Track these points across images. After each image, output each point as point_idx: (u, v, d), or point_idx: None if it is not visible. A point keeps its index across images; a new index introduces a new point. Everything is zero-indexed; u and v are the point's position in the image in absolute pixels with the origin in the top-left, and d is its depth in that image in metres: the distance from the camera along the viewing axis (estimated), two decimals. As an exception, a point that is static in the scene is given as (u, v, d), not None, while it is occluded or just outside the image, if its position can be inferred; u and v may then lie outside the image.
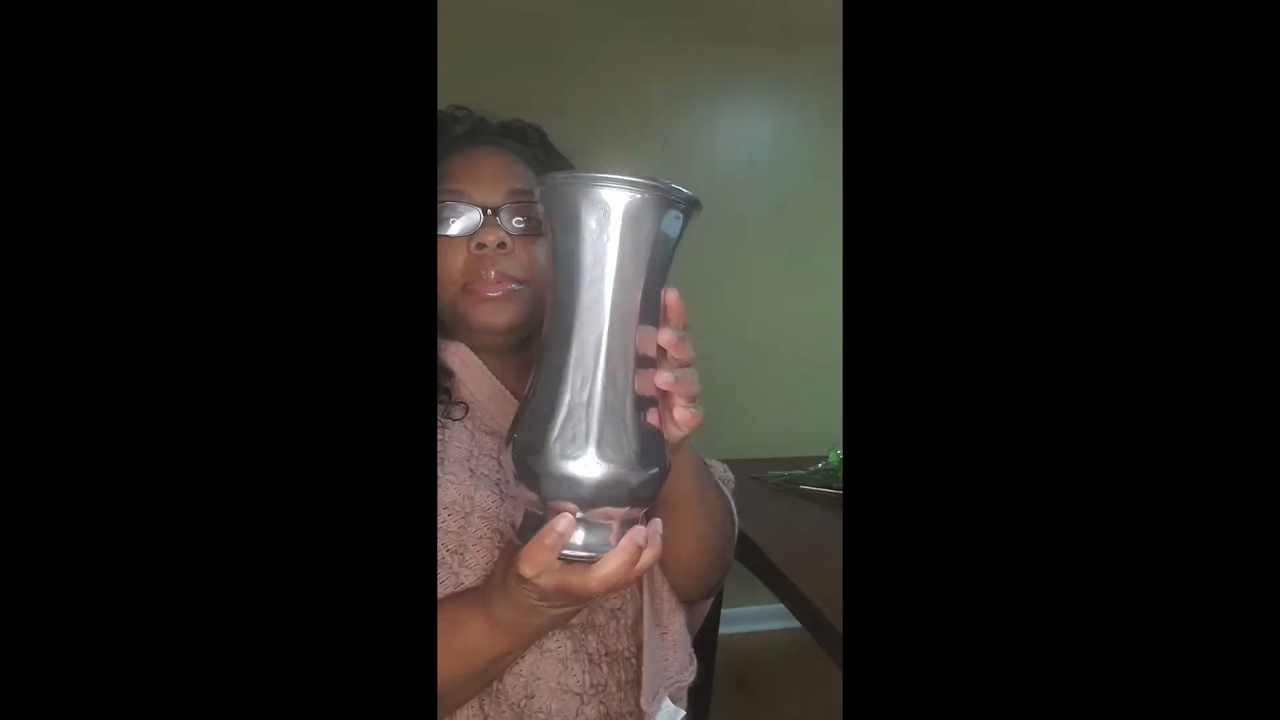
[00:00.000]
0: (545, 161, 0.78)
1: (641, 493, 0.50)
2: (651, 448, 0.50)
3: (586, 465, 0.47)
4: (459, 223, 0.71)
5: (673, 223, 0.49)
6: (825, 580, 1.25)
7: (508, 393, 0.76)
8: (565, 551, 0.49)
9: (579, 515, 0.49)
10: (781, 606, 1.33)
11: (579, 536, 0.49)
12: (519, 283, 0.71)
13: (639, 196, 0.47)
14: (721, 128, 2.12)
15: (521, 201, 0.72)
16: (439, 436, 0.72)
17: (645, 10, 1.98)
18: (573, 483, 0.48)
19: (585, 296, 0.48)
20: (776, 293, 2.18)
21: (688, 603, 0.78)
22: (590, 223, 0.47)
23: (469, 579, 0.66)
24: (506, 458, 0.50)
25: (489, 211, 0.70)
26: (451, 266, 0.71)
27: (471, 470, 0.71)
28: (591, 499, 0.48)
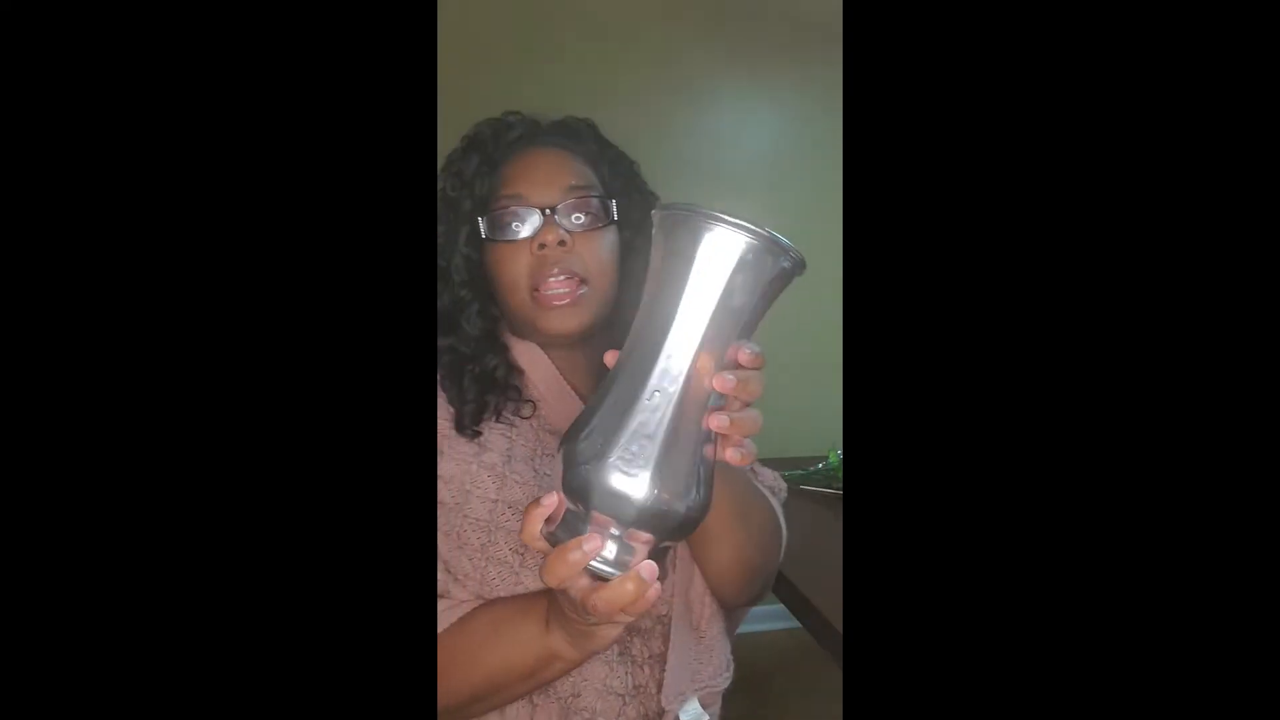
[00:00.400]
0: (599, 154, 0.79)
1: (687, 525, 0.50)
2: (704, 482, 0.51)
3: (640, 487, 0.48)
4: (520, 226, 0.72)
5: (779, 277, 0.49)
6: (825, 580, 1.25)
7: (573, 392, 0.77)
8: (594, 564, 0.49)
9: (614, 532, 0.49)
10: (781, 606, 1.33)
11: (610, 551, 0.49)
12: (583, 282, 0.72)
13: (758, 245, 0.47)
14: (720, 127, 2.12)
15: (579, 197, 0.73)
16: (508, 435, 0.74)
17: (646, 10, 1.98)
18: (623, 501, 0.48)
19: (679, 327, 0.48)
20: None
21: (727, 609, 0.79)
22: (705, 258, 0.48)
23: (529, 579, 0.68)
24: (558, 457, 0.51)
25: (547, 211, 0.71)
26: (518, 270, 0.72)
27: (535, 469, 0.72)
28: (635, 520, 0.48)
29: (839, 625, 1.14)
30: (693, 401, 0.49)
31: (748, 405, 0.50)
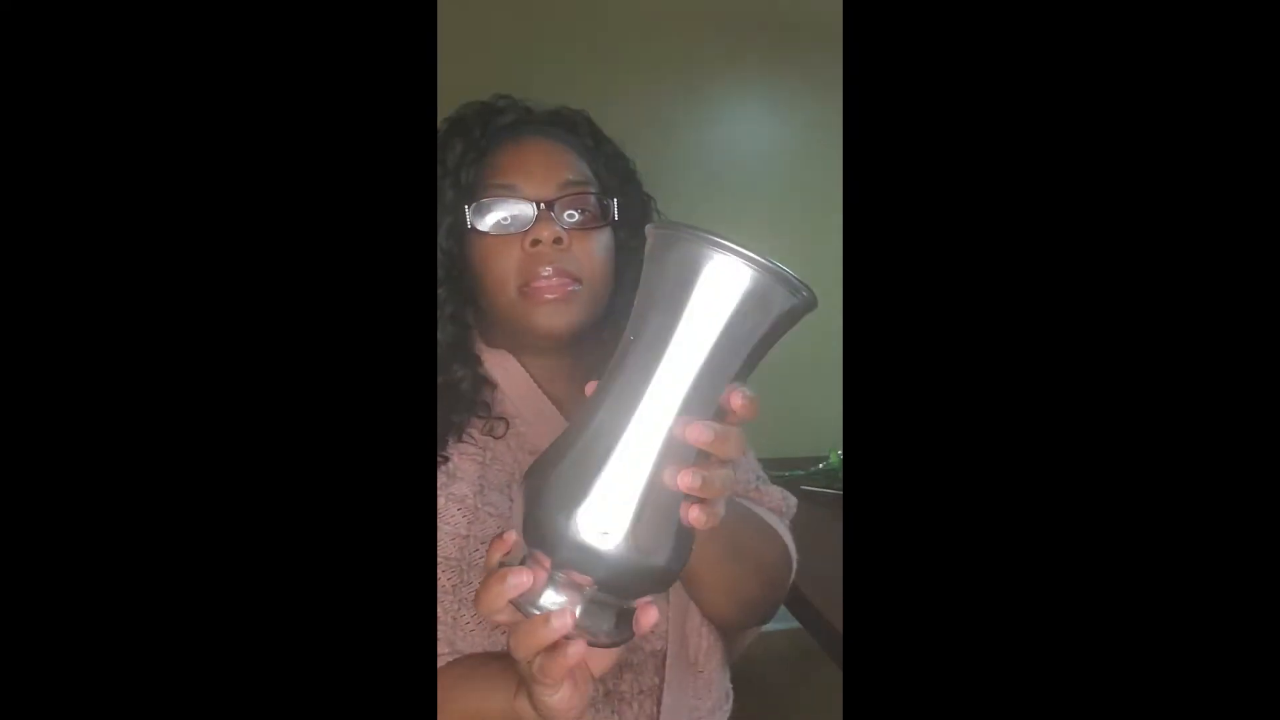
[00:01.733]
0: (596, 150, 0.74)
1: (665, 579, 0.46)
2: (685, 532, 0.46)
3: (616, 545, 0.43)
4: (511, 219, 0.66)
5: (784, 317, 0.44)
6: (825, 580, 1.25)
7: (553, 407, 0.71)
8: (530, 609, 0.45)
9: (591, 593, 0.44)
10: (781, 607, 1.33)
11: (584, 617, 0.45)
12: (576, 281, 0.66)
13: (768, 280, 0.42)
14: (720, 124, 2.12)
15: (575, 194, 0.68)
16: (480, 459, 0.68)
17: (646, 7, 1.98)
18: (595, 559, 0.43)
19: (666, 366, 0.43)
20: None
21: (729, 634, 0.75)
22: (706, 291, 0.42)
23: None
24: (518, 499, 0.46)
25: (542, 206, 0.66)
26: (505, 267, 0.66)
27: (510, 499, 0.66)
28: (609, 580, 0.44)
29: (839, 625, 1.14)
30: (676, 450, 0.43)
31: (725, 463, 0.45)
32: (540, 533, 0.44)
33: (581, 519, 0.43)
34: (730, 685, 0.76)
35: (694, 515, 0.44)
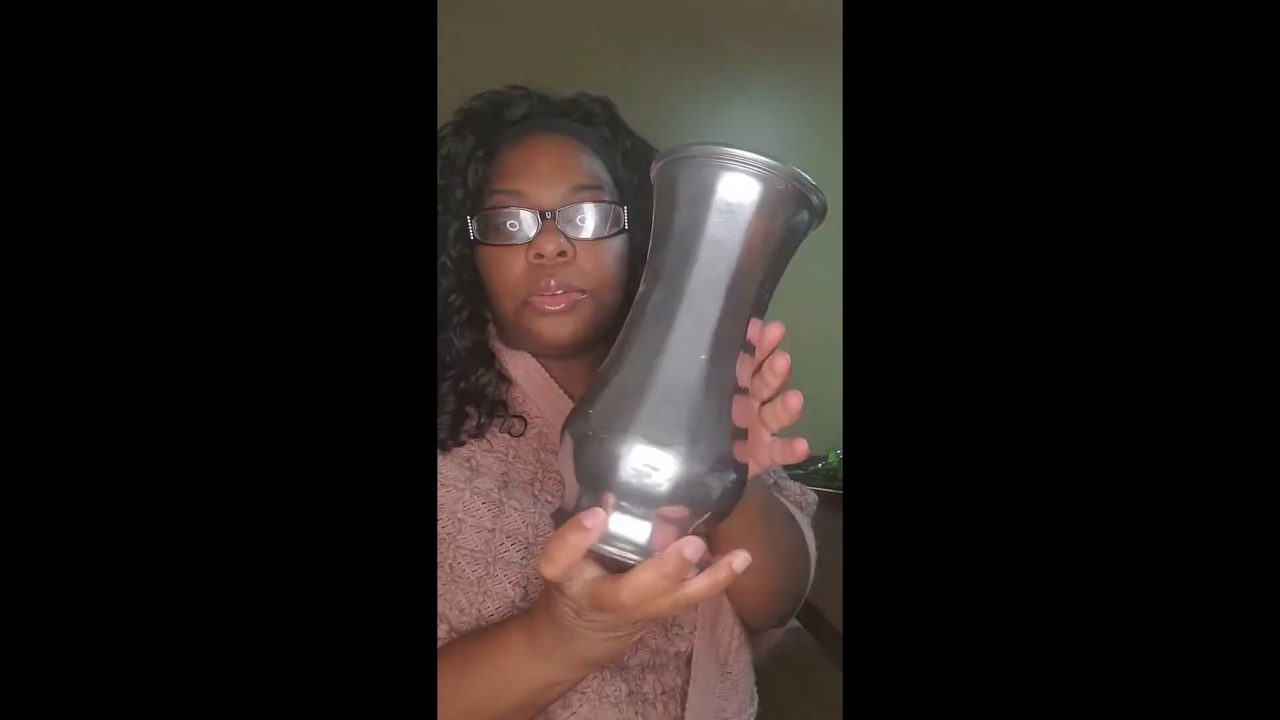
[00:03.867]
0: (613, 140, 0.71)
1: (724, 501, 0.44)
2: (737, 459, 0.45)
3: (673, 458, 0.41)
4: (516, 228, 0.64)
5: (802, 223, 0.45)
6: (825, 580, 1.25)
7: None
8: (610, 547, 0.42)
9: (622, 504, 0.42)
10: (784, 606, 1.33)
11: (634, 529, 0.42)
12: (581, 292, 0.65)
13: (782, 185, 0.43)
14: (720, 123, 2.12)
15: (584, 199, 0.65)
16: (504, 457, 0.68)
17: (645, 4, 1.98)
18: (653, 476, 0.41)
19: (699, 277, 0.43)
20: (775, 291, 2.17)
21: (753, 630, 0.75)
22: (723, 201, 0.43)
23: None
24: (566, 441, 0.44)
25: (547, 216, 0.63)
26: (511, 277, 0.65)
27: (535, 496, 0.67)
28: (669, 496, 0.42)
29: (839, 625, 1.14)
30: (724, 358, 0.43)
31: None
32: (597, 467, 0.42)
33: (635, 437, 0.41)
34: (755, 687, 0.76)
35: (784, 451, 0.50)
